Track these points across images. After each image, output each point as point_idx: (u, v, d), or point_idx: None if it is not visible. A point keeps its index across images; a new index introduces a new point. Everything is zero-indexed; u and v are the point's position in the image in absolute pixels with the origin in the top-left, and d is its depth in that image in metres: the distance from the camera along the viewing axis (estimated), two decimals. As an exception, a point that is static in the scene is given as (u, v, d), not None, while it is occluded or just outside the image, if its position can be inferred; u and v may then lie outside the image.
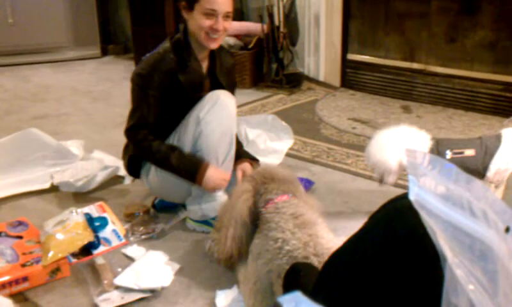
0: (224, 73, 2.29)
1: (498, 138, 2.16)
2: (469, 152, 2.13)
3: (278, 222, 1.72)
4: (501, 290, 0.75)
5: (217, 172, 2.13)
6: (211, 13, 2.07)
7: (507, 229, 0.79)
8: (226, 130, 2.13)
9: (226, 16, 2.11)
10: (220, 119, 2.11)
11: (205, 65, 2.24)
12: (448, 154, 2.16)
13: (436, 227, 0.80)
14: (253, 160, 2.36)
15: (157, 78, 2.11)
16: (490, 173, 2.15)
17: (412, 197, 0.82)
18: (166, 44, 2.17)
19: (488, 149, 2.14)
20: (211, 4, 2.06)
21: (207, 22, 2.08)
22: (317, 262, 1.52)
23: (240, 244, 1.83)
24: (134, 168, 2.32)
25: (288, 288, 1.47)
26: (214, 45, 2.16)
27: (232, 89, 2.31)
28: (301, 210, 1.76)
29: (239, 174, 2.26)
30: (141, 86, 2.14)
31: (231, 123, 2.14)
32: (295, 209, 1.76)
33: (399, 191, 1.29)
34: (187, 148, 2.15)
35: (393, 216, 1.05)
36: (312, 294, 1.13)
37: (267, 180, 1.89)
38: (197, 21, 2.09)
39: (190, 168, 2.12)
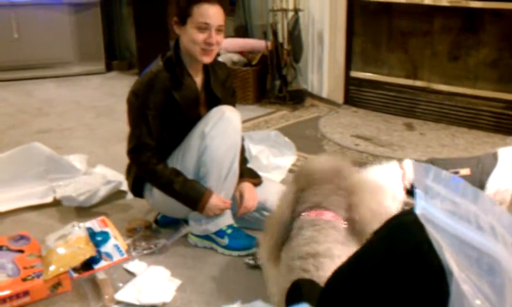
0: (220, 85, 2.29)
1: (494, 157, 2.15)
2: (464, 171, 2.13)
3: (297, 243, 1.63)
4: (508, 304, 0.74)
5: (218, 200, 2.15)
6: (204, 27, 2.09)
7: (515, 243, 0.79)
8: (231, 145, 2.13)
9: (218, 30, 2.13)
10: (225, 135, 2.11)
11: (199, 80, 2.25)
12: None
13: (443, 241, 0.79)
14: (255, 178, 2.35)
15: (152, 97, 2.12)
16: (489, 192, 2.13)
17: (418, 211, 0.81)
18: (159, 62, 2.17)
19: (485, 168, 2.13)
20: (204, 18, 2.08)
21: (201, 36, 2.10)
22: None
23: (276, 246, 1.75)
24: (138, 189, 2.33)
25: (290, 304, 1.45)
26: (207, 59, 2.17)
27: (230, 100, 2.32)
28: (317, 236, 1.62)
29: (237, 194, 2.26)
30: (138, 107, 2.15)
31: (236, 138, 2.15)
32: (312, 233, 1.63)
33: (403, 208, 1.28)
34: (191, 163, 2.15)
35: (397, 231, 1.04)
36: (316, 310, 1.11)
37: (307, 183, 1.75)
38: (190, 35, 2.10)
39: (192, 196, 2.13)
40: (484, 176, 2.12)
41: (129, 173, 2.33)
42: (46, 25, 5.32)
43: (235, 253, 2.18)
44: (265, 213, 2.30)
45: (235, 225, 2.23)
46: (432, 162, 2.17)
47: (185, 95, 2.17)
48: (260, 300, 1.85)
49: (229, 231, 2.20)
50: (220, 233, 2.19)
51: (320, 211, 1.70)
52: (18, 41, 5.25)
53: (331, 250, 1.57)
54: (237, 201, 2.26)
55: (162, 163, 2.17)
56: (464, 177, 2.11)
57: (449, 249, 0.79)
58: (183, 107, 2.16)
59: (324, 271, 1.51)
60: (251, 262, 2.10)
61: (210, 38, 2.10)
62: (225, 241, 2.18)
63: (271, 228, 1.79)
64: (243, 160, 2.36)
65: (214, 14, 2.09)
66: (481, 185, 2.13)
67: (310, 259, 1.56)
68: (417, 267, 0.93)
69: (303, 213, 1.71)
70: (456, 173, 2.13)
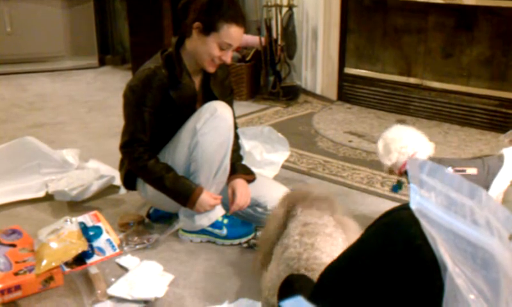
0: (218, 83, 2.29)
1: (500, 158, 2.15)
2: (471, 171, 2.12)
3: (291, 228, 1.74)
4: (503, 298, 0.74)
5: (208, 197, 2.15)
6: (226, 47, 2.10)
7: (512, 237, 0.79)
8: (223, 141, 2.12)
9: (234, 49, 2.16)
10: (217, 131, 2.10)
11: (198, 79, 2.24)
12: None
13: (438, 236, 0.79)
14: (249, 175, 2.34)
15: (149, 94, 2.11)
16: (493, 193, 2.13)
17: (413, 205, 0.81)
18: (158, 59, 2.16)
19: (491, 169, 2.12)
20: (230, 40, 2.08)
21: (219, 53, 2.10)
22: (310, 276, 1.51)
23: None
24: (130, 181, 2.32)
25: (283, 298, 1.45)
26: (213, 70, 2.18)
27: (227, 98, 2.31)
28: (314, 219, 1.75)
29: (229, 191, 2.26)
30: (133, 102, 2.14)
31: (228, 135, 2.14)
32: (308, 218, 1.75)
33: (395, 204, 1.28)
34: (182, 158, 2.15)
35: (391, 226, 1.04)
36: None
37: (298, 200, 1.89)
38: (208, 48, 2.09)
39: (183, 192, 2.13)
40: (490, 177, 2.12)
41: (122, 165, 2.32)
42: (39, 19, 5.28)
43: (236, 241, 2.20)
44: (259, 209, 2.30)
45: (228, 214, 2.24)
46: (439, 160, 2.17)
47: (182, 94, 2.16)
48: (245, 298, 1.85)
49: (225, 221, 2.21)
50: (217, 225, 2.19)
51: (312, 210, 1.83)
52: (11, 35, 5.21)
53: (326, 227, 1.70)
54: (229, 198, 2.26)
55: (154, 159, 2.16)
56: (470, 176, 2.10)
57: (444, 243, 0.79)
58: (179, 106, 2.16)
59: (318, 245, 1.62)
60: (245, 245, 2.19)
61: (227, 56, 2.12)
62: (224, 232, 2.19)
63: (261, 243, 1.94)
64: (238, 158, 2.36)
65: (238, 36, 2.10)
66: (486, 186, 2.13)
67: (306, 235, 1.66)
68: (411, 262, 0.93)
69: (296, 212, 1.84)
70: (463, 171, 2.13)
